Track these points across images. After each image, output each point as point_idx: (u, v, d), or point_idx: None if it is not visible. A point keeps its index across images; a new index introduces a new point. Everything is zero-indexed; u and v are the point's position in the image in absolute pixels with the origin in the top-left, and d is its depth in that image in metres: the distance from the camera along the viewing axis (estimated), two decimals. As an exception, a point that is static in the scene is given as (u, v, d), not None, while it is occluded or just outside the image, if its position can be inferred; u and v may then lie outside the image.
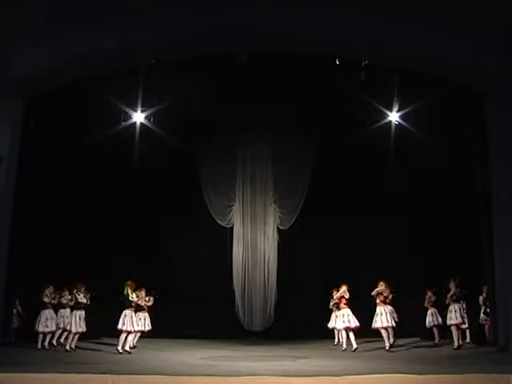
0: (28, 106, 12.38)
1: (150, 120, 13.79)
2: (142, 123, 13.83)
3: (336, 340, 13.02)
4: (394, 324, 12.28)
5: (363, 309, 12.97)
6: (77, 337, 12.05)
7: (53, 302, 12.34)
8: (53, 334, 12.25)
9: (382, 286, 12.45)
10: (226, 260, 15.37)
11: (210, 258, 14.72)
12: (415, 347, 12.73)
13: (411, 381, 8.27)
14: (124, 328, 11.71)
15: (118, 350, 11.64)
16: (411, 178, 14.23)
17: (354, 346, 12.26)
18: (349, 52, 12.09)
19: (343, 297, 12.53)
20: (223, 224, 15.51)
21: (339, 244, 14.76)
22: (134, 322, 11.90)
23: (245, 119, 14.57)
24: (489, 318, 12.66)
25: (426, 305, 13.20)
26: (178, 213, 14.82)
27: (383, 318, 12.24)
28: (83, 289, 12.23)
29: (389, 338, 12.27)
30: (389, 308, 12.36)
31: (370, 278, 13.16)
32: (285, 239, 15.36)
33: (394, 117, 13.63)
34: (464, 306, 12.73)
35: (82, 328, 12.03)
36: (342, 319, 12.42)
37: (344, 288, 12.65)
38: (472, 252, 13.05)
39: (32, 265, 12.80)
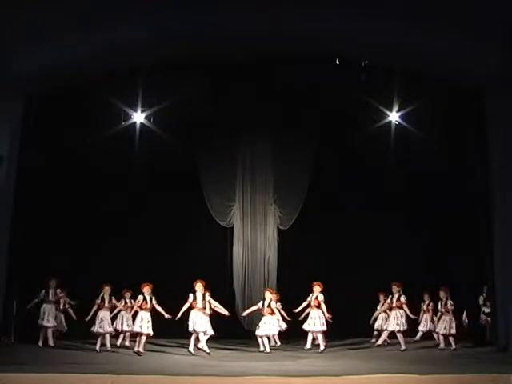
0: (28, 106, 12.39)
1: (150, 120, 13.79)
2: (141, 123, 13.83)
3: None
4: (325, 328, 12.20)
5: (364, 309, 12.99)
6: (144, 339, 11.55)
7: (113, 303, 12.10)
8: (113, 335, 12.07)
9: (318, 291, 12.37)
10: (226, 260, 15.36)
11: (210, 257, 14.70)
12: (415, 347, 12.72)
13: (412, 381, 8.26)
14: (197, 329, 11.47)
15: (190, 352, 11.38)
16: (411, 178, 14.24)
17: (267, 348, 12.16)
18: (349, 52, 12.11)
19: (269, 305, 12.34)
20: (223, 224, 15.50)
21: (339, 244, 14.76)
22: (203, 323, 11.60)
23: (245, 119, 14.56)
24: (489, 319, 12.67)
25: (379, 308, 13.28)
26: (178, 213, 14.81)
27: (320, 321, 12.14)
28: (147, 289, 11.78)
29: (315, 342, 12.24)
30: (321, 312, 12.21)
31: (370, 278, 13.18)
32: (285, 239, 15.35)
33: (393, 117, 13.63)
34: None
35: (149, 330, 11.56)
36: (269, 326, 12.24)
37: (269, 296, 12.46)
38: (472, 252, 13.07)
39: (32, 265, 12.80)
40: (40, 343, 12.01)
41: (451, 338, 12.30)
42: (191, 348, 11.48)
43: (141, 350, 11.39)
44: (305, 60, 12.23)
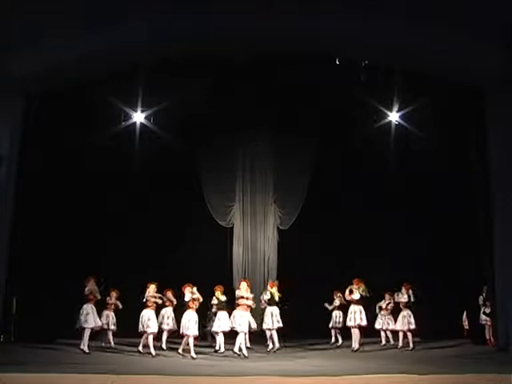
0: (28, 106, 12.39)
1: (150, 120, 13.79)
2: (141, 123, 13.83)
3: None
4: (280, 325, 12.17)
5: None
6: (191, 340, 11.26)
7: (158, 301, 11.72)
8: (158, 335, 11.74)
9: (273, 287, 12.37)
10: (226, 260, 15.37)
11: (209, 257, 14.70)
12: (415, 347, 12.71)
13: (412, 381, 8.26)
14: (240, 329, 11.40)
15: (236, 353, 11.26)
16: (411, 178, 14.22)
17: (222, 349, 11.92)
18: (349, 52, 12.11)
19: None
20: (223, 224, 15.51)
21: (339, 244, 14.76)
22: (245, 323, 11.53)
23: (245, 119, 14.57)
24: (489, 319, 12.67)
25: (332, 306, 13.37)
26: (177, 213, 14.81)
27: (274, 319, 12.14)
28: (195, 289, 11.60)
29: (272, 340, 12.13)
30: (277, 309, 12.22)
31: (371, 278, 13.16)
32: (285, 239, 15.36)
33: (393, 117, 13.63)
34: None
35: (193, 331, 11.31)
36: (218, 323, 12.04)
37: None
38: (472, 252, 13.06)
39: (32, 264, 12.80)
40: (84, 347, 11.42)
41: (409, 334, 12.38)
42: (236, 349, 11.34)
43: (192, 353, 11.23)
44: (305, 60, 12.22)
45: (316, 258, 14.65)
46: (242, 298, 11.64)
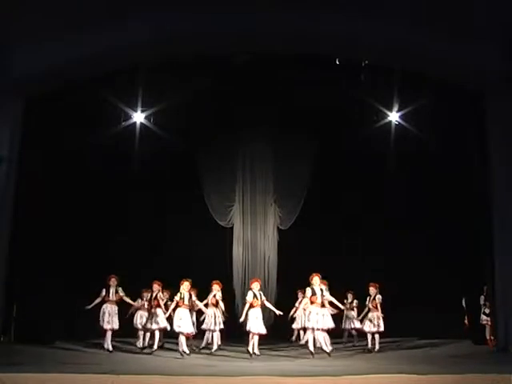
0: (28, 106, 12.39)
1: (149, 120, 13.80)
2: (142, 123, 13.84)
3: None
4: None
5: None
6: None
7: (193, 301, 11.55)
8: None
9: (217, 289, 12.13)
10: (226, 260, 15.37)
11: (210, 257, 14.71)
12: (415, 347, 12.72)
13: (412, 381, 8.25)
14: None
15: (311, 352, 11.10)
16: (411, 178, 14.23)
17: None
18: (349, 52, 12.11)
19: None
20: (223, 224, 15.52)
21: (339, 244, 14.78)
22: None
23: (245, 119, 14.59)
24: (489, 318, 12.67)
25: (297, 305, 13.07)
26: (177, 213, 14.82)
27: (216, 320, 12.03)
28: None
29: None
30: (218, 311, 12.03)
31: (370, 278, 13.17)
32: (285, 239, 15.37)
33: (394, 117, 13.63)
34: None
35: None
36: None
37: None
38: (472, 252, 13.06)
39: (32, 265, 12.80)
40: (106, 345, 11.54)
41: (377, 336, 12.07)
42: (311, 346, 11.15)
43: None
44: (305, 60, 12.23)
45: (316, 258, 14.65)
46: (315, 294, 11.12)
